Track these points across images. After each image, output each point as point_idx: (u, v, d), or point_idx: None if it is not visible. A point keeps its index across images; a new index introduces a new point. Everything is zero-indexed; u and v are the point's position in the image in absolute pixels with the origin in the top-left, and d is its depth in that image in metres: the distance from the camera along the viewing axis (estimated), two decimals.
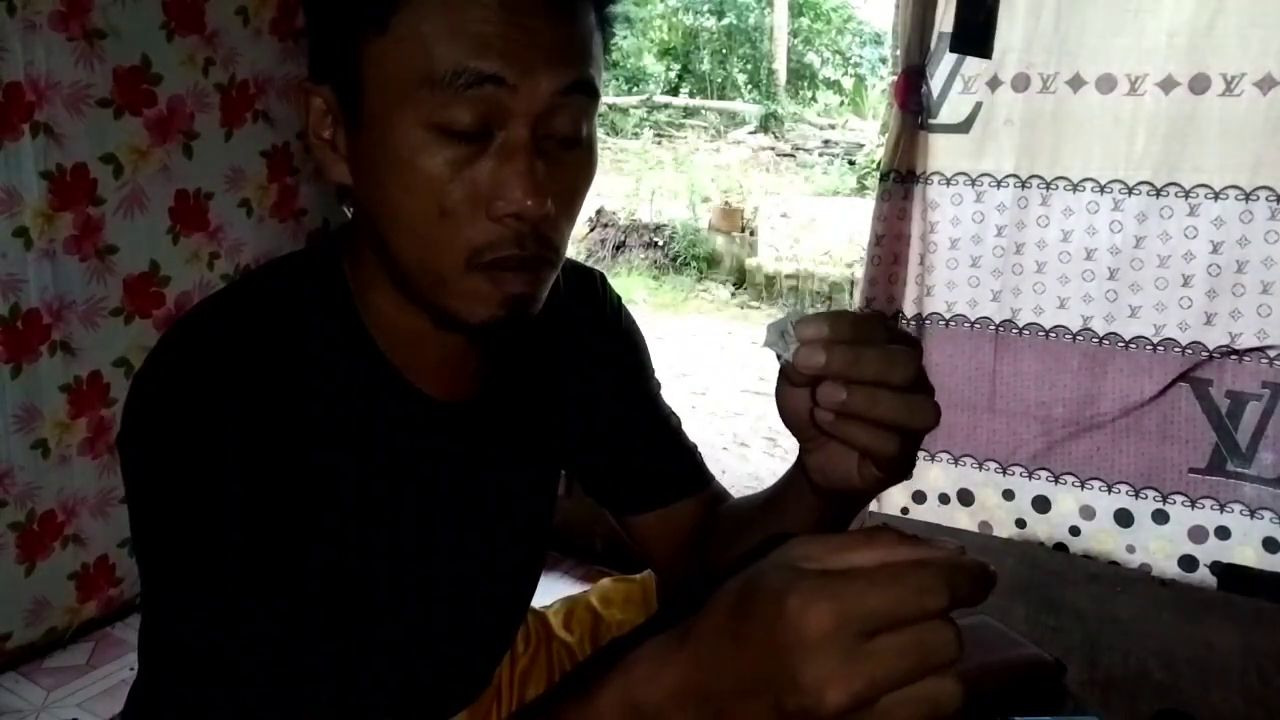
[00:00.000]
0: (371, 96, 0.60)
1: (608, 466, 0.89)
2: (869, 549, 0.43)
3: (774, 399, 0.62)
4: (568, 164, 0.62)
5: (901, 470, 0.60)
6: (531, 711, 0.55)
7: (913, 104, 2.06)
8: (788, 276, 6.60)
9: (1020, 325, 2.06)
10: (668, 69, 13.43)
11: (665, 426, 0.90)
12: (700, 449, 0.92)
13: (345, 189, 0.68)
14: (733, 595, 0.44)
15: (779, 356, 0.55)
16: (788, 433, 0.65)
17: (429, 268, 0.62)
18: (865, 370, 0.52)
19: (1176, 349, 1.92)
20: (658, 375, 0.92)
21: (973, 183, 2.06)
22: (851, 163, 8.92)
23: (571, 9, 0.60)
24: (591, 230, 7.59)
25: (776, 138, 10.53)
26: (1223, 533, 1.92)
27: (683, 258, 7.14)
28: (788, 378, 0.58)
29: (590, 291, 0.87)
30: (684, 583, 0.90)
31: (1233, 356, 1.88)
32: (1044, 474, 2.07)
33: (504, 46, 0.57)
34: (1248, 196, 1.82)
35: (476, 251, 0.61)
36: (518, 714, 0.59)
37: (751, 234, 7.10)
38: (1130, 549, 2.00)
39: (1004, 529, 2.11)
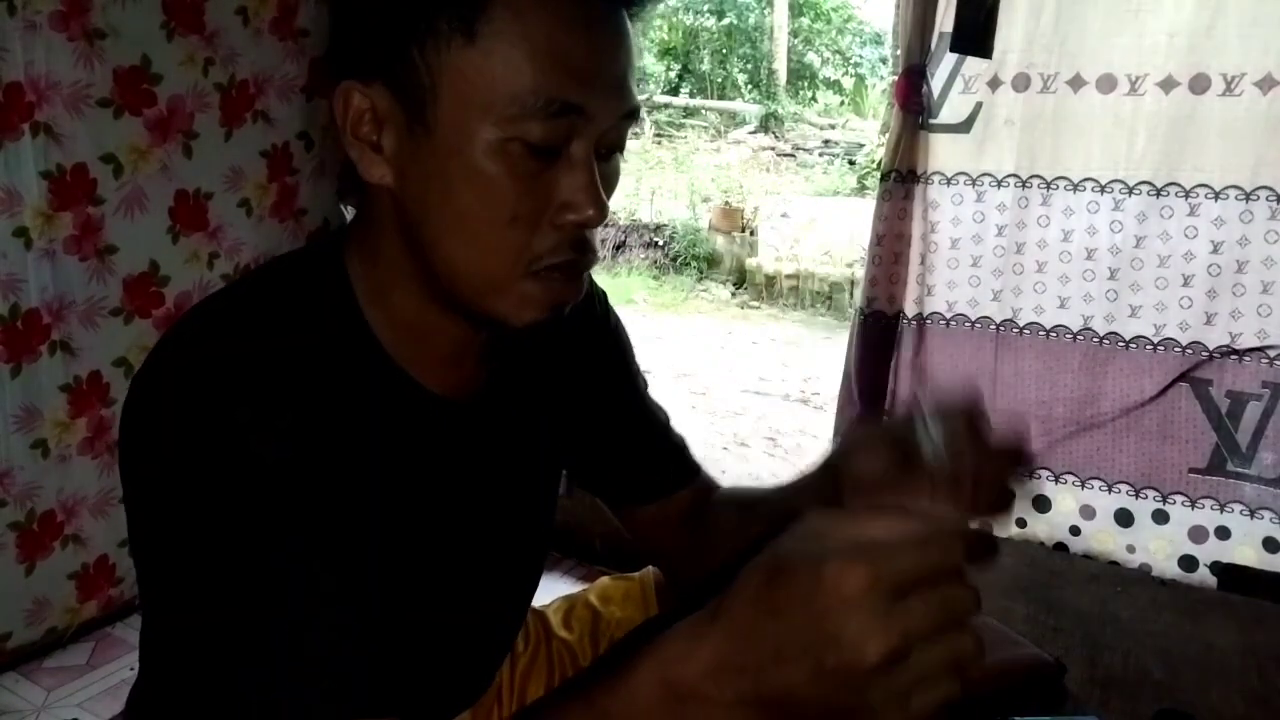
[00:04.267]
0: (446, 103, 0.61)
1: (603, 462, 0.91)
2: (882, 520, 0.47)
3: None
4: (608, 177, 0.66)
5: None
6: (552, 702, 0.56)
7: (913, 104, 2.06)
8: (788, 276, 6.60)
9: (1021, 325, 2.06)
10: (668, 69, 13.41)
11: (656, 421, 0.93)
12: (700, 449, 0.94)
13: (346, 189, 0.68)
14: (762, 570, 0.47)
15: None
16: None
17: (483, 270, 0.64)
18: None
19: (1176, 349, 1.92)
20: (646, 373, 0.94)
21: (973, 182, 2.06)
22: (852, 163, 8.92)
23: (630, 41, 0.65)
24: None
25: (776, 138, 10.52)
26: (1223, 533, 1.92)
27: (683, 258, 7.14)
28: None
29: None
30: (689, 578, 0.93)
31: (1233, 356, 1.88)
32: (1044, 474, 2.07)
33: (588, 78, 0.61)
34: (1248, 196, 1.82)
35: (538, 257, 0.64)
36: (538, 704, 0.60)
37: (751, 234, 7.10)
38: (1130, 549, 2.00)
39: (1004, 529, 2.11)
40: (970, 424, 0.66)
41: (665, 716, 0.49)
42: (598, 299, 0.90)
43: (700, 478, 0.94)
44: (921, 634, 0.44)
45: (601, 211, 0.64)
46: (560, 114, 0.60)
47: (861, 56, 13.39)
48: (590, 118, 0.62)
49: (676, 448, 0.93)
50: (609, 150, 0.66)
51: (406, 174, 0.64)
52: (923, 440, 0.65)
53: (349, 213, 0.71)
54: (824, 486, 0.76)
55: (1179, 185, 1.88)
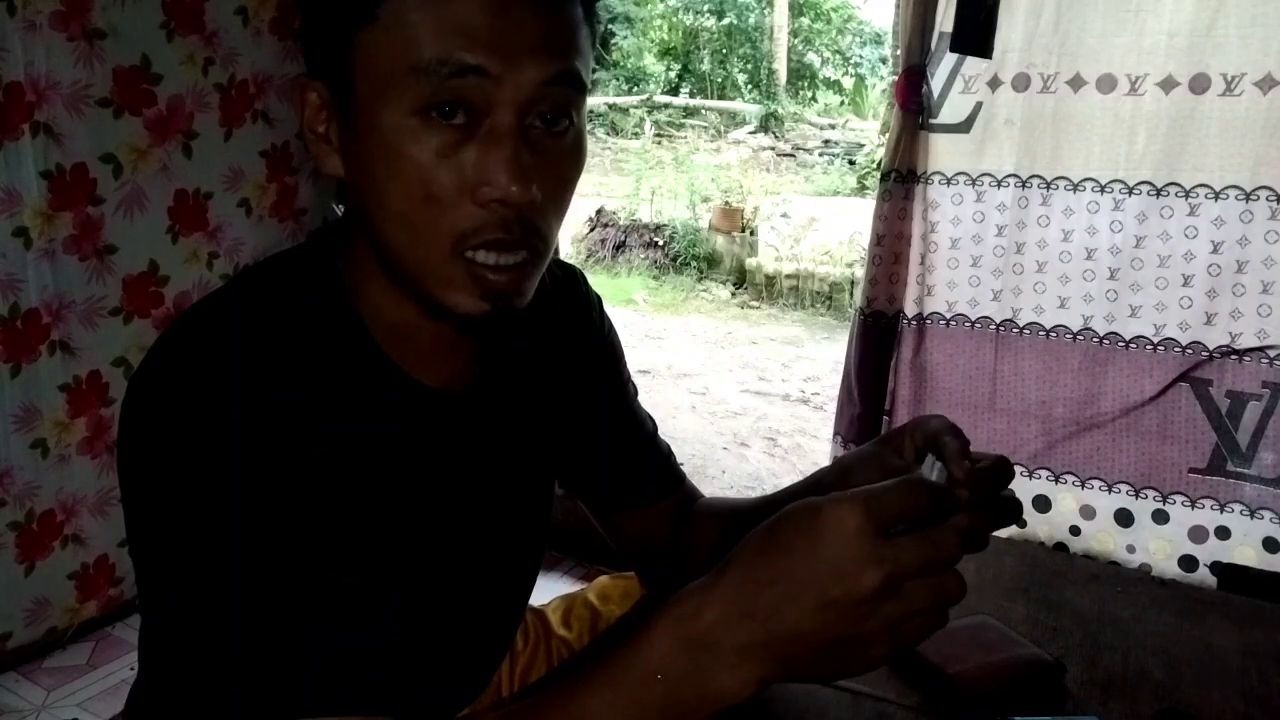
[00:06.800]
0: (360, 86, 0.62)
1: (588, 467, 0.91)
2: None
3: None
4: (555, 153, 0.63)
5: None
6: (567, 670, 0.57)
7: (913, 104, 2.06)
8: (788, 276, 6.60)
9: (1021, 325, 2.06)
10: (668, 69, 13.43)
11: (643, 429, 0.93)
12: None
13: (341, 184, 0.68)
14: (764, 530, 0.53)
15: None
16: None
17: (415, 253, 0.63)
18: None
19: (1176, 349, 1.92)
20: (645, 373, 0.94)
21: (973, 182, 2.05)
22: (851, 163, 8.93)
23: (556, 2, 0.62)
24: (591, 230, 7.59)
25: (776, 138, 10.54)
26: (1223, 533, 1.92)
27: (683, 258, 7.14)
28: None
29: (574, 289, 0.89)
30: (667, 585, 0.94)
31: (1233, 356, 1.88)
32: (1044, 473, 2.07)
33: (488, 37, 0.59)
34: (1248, 196, 1.82)
35: (462, 237, 0.62)
36: (554, 674, 0.61)
37: (751, 234, 7.09)
38: (1130, 549, 2.00)
39: (1004, 529, 2.10)
40: (963, 447, 0.68)
41: (681, 667, 0.52)
42: (593, 304, 0.90)
43: (683, 487, 0.95)
44: (912, 567, 0.49)
45: (523, 186, 0.60)
46: (458, 76, 0.59)
47: (861, 56, 13.41)
48: (498, 80, 0.59)
49: (661, 456, 0.94)
50: (549, 121, 0.62)
51: (348, 163, 0.65)
52: (926, 469, 0.65)
53: (339, 210, 0.72)
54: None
55: (1179, 185, 1.87)
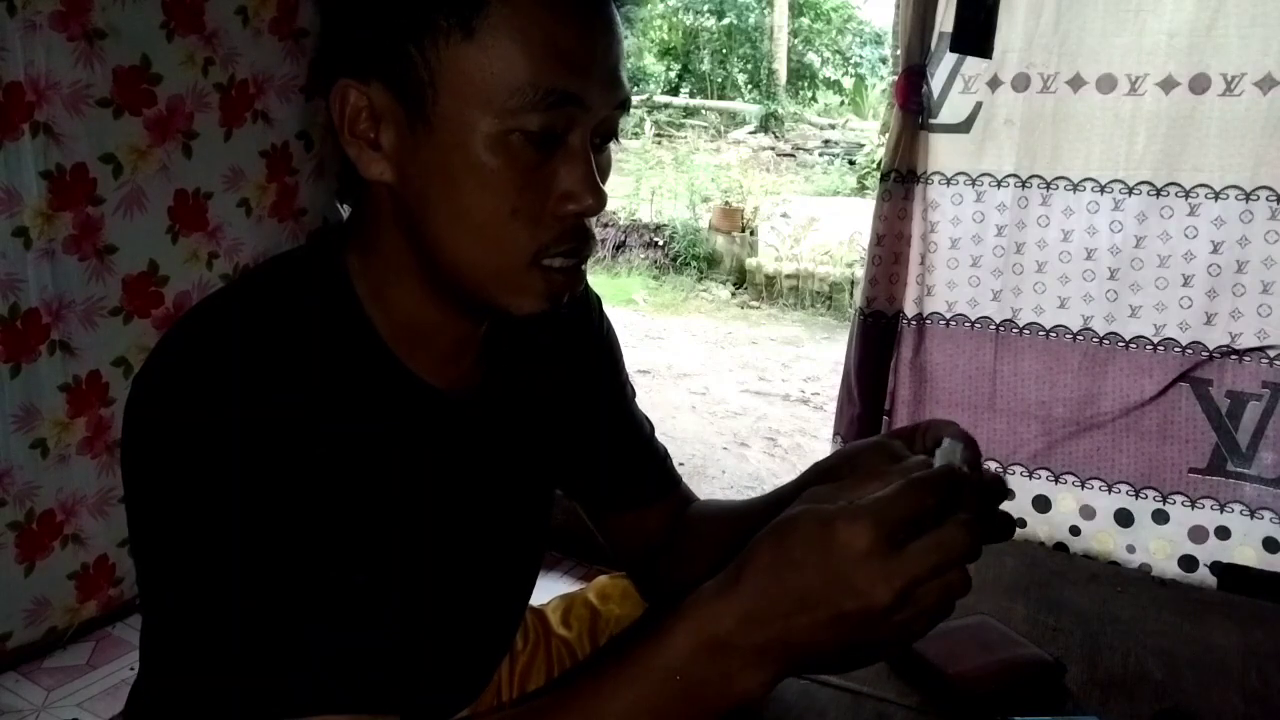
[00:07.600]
0: (446, 99, 0.62)
1: (585, 468, 0.91)
2: (875, 482, 0.55)
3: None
4: (602, 165, 0.68)
5: None
6: (585, 670, 0.57)
7: (913, 104, 2.06)
8: (788, 276, 6.60)
9: (1020, 325, 2.06)
10: (668, 69, 13.42)
11: (640, 431, 0.94)
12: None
13: (347, 188, 0.68)
14: (774, 536, 0.54)
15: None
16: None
17: (490, 263, 0.66)
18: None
19: (1176, 349, 1.92)
20: (645, 373, 0.94)
21: (973, 182, 2.06)
22: (851, 163, 8.93)
23: (620, 32, 0.66)
24: None
25: (776, 138, 10.53)
26: (1223, 533, 1.92)
27: (683, 258, 7.14)
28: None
29: None
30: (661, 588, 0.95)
31: (1233, 356, 1.88)
32: (1044, 474, 2.07)
33: (583, 69, 0.63)
34: (1248, 196, 1.82)
35: (544, 248, 0.65)
36: (568, 674, 0.62)
37: (751, 234, 7.10)
38: (1130, 549, 2.00)
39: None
40: (974, 458, 0.66)
41: (701, 665, 0.54)
42: (594, 305, 0.90)
43: (679, 489, 0.95)
44: (922, 578, 0.51)
45: (600, 200, 0.65)
46: (558, 104, 0.62)
47: (861, 56, 13.40)
48: (587, 107, 0.63)
49: (658, 458, 0.94)
50: (603, 140, 0.68)
51: (406, 170, 0.65)
52: (942, 455, 0.64)
53: (345, 210, 0.72)
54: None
55: (1179, 185, 1.88)
